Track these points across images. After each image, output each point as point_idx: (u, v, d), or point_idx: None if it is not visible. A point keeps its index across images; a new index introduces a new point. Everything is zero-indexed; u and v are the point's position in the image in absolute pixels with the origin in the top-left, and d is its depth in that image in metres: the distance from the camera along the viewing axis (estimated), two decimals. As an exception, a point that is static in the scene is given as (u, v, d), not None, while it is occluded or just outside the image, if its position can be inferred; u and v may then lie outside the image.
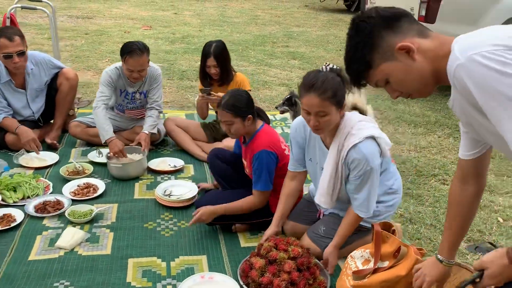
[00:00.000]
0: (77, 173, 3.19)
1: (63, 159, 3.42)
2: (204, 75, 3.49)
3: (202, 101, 3.49)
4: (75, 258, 2.37)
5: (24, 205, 2.76)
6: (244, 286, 2.15)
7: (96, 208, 2.75)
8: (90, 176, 3.19)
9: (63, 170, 3.18)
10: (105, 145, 3.35)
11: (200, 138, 3.67)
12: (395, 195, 2.45)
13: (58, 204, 2.79)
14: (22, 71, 3.45)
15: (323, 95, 2.03)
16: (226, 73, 3.45)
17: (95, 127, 3.43)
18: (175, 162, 3.43)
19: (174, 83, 5.45)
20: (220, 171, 2.87)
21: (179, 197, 2.91)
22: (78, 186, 3.03)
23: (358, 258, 2.14)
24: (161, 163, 3.42)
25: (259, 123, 2.64)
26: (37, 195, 2.90)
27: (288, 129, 4.16)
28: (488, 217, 2.97)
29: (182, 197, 2.91)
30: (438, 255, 1.72)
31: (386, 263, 2.02)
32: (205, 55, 3.39)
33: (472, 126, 1.40)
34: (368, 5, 7.18)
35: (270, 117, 3.49)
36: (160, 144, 3.75)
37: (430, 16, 5.25)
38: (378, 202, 2.31)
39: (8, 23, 4.13)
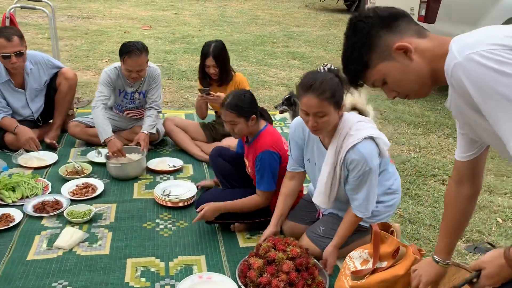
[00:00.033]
0: (76, 173, 3.19)
1: (62, 159, 3.42)
2: (203, 75, 3.49)
3: (201, 101, 3.48)
4: (73, 258, 2.37)
5: (23, 205, 2.76)
6: (242, 286, 2.15)
7: (94, 208, 2.75)
8: (89, 176, 3.18)
9: (62, 170, 3.18)
10: (104, 145, 3.35)
11: (199, 138, 3.67)
12: (394, 195, 2.44)
13: (57, 204, 2.79)
14: (21, 71, 3.45)
15: (321, 96, 2.03)
16: (225, 73, 3.45)
17: (94, 127, 3.42)
18: (174, 162, 3.43)
19: (174, 83, 5.45)
20: (221, 169, 2.87)
21: (178, 197, 2.91)
22: (77, 186, 3.02)
23: (357, 258, 2.15)
24: (160, 163, 3.42)
25: (263, 123, 2.63)
26: (36, 195, 2.90)
27: (288, 129, 4.15)
28: (488, 218, 2.97)
29: (181, 197, 2.91)
30: (435, 256, 1.72)
31: (384, 264, 2.02)
32: (204, 55, 3.39)
33: (469, 126, 1.39)
34: (368, 5, 7.18)
35: (269, 117, 3.49)
36: (159, 144, 3.75)
37: (430, 16, 5.25)
38: (377, 202, 2.31)
39: (7, 23, 4.13)
